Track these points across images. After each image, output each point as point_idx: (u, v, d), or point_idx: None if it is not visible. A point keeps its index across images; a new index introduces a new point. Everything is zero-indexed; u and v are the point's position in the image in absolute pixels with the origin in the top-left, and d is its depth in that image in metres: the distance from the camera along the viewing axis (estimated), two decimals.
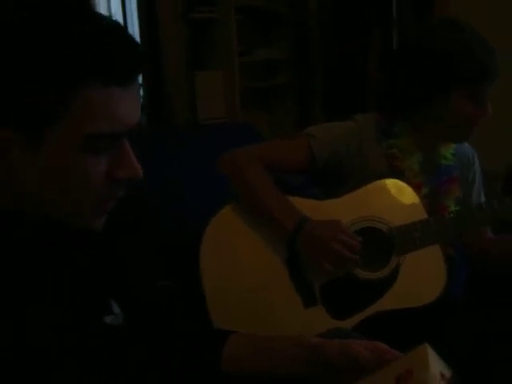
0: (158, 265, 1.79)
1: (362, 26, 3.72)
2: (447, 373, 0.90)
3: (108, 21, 0.83)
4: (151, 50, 3.36)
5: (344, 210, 1.67)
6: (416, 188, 1.71)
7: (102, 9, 3.66)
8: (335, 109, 3.88)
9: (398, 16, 3.63)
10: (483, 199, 1.87)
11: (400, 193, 1.70)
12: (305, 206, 1.66)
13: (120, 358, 0.94)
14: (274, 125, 4.21)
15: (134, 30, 3.67)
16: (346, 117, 1.82)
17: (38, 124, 0.79)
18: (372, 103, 3.57)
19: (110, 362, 0.91)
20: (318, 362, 1.03)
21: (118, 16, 3.71)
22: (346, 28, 3.82)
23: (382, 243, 1.66)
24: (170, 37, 3.58)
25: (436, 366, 0.90)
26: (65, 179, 0.82)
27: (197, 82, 3.61)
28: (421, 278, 1.66)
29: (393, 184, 1.71)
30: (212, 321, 1.58)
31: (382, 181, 1.71)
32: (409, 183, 1.71)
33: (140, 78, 0.87)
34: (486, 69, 1.61)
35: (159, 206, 2.16)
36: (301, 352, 1.05)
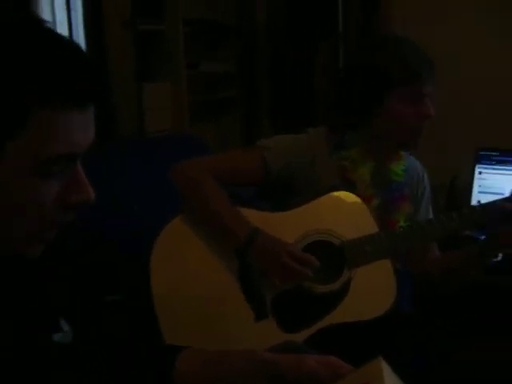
0: (107, 280, 1.76)
1: (308, 39, 3.76)
2: None
3: (68, 42, 0.83)
4: (97, 60, 3.31)
5: (296, 222, 1.68)
6: (367, 200, 1.73)
7: (46, 17, 3.59)
8: (282, 122, 3.90)
9: (343, 30, 3.68)
10: (431, 215, 1.89)
11: (351, 206, 1.71)
12: (256, 217, 1.66)
13: (68, 378, 0.91)
14: (221, 138, 4.20)
15: (80, 40, 3.62)
16: (294, 130, 1.83)
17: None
18: (319, 116, 3.61)
19: (58, 382, 0.88)
20: (271, 377, 1.02)
21: (63, 25, 3.65)
22: (293, 41, 3.86)
23: (334, 256, 1.67)
24: (117, 48, 3.54)
25: (390, 379, 0.90)
26: (11, 202, 0.79)
27: (144, 94, 3.57)
28: (372, 291, 1.67)
29: (344, 197, 1.72)
30: (163, 335, 1.56)
31: (334, 194, 1.72)
32: (360, 195, 1.72)
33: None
34: (414, 70, 1.65)
35: (107, 218, 2.12)
36: (253, 367, 1.03)
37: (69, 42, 0.83)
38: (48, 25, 0.82)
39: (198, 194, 1.66)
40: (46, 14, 3.60)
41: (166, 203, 1.80)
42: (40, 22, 0.82)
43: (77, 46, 0.83)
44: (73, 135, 0.79)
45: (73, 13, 3.78)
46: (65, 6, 3.80)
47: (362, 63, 1.73)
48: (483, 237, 1.72)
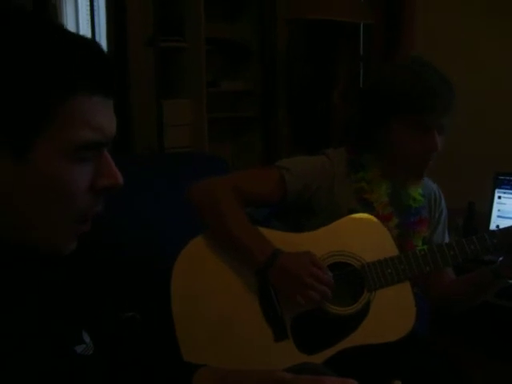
0: (126, 296, 1.76)
1: (329, 61, 3.77)
2: None
3: (86, 37, 0.87)
4: (119, 76, 3.35)
5: (316, 243, 1.67)
6: (386, 219, 1.73)
7: None
8: (301, 141, 3.91)
9: (364, 53, 3.69)
10: (447, 239, 1.89)
11: (371, 228, 1.71)
12: (276, 238, 1.65)
13: None
14: (240, 156, 4.21)
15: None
16: (312, 151, 1.83)
17: (25, 134, 0.78)
18: (337, 137, 3.62)
19: None
20: None
21: None
22: (313, 63, 3.87)
23: (354, 279, 1.66)
24: (139, 64, 3.58)
25: None
26: (48, 191, 0.81)
27: (164, 111, 3.59)
28: (391, 313, 1.65)
29: (365, 219, 1.71)
30: (182, 353, 1.56)
31: (354, 216, 1.71)
32: (378, 215, 1.72)
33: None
34: (424, 98, 1.62)
35: (124, 234, 2.13)
36: None
37: (85, 37, 0.87)
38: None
39: (217, 215, 1.66)
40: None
41: (185, 220, 1.80)
42: (58, 23, 0.87)
43: (93, 40, 0.88)
44: (100, 121, 0.83)
45: (97, 29, 3.84)
46: (89, 22, 3.85)
47: (372, 87, 1.75)
48: (500, 258, 1.71)
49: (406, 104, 1.65)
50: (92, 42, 0.86)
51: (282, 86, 4.13)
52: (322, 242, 1.68)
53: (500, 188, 2.70)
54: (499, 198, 2.69)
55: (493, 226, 2.65)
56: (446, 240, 1.88)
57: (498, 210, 2.69)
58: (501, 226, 1.92)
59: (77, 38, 0.84)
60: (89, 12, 3.87)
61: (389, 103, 1.67)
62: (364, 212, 1.72)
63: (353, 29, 3.65)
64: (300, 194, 1.73)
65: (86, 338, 0.94)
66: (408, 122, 1.66)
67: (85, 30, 3.81)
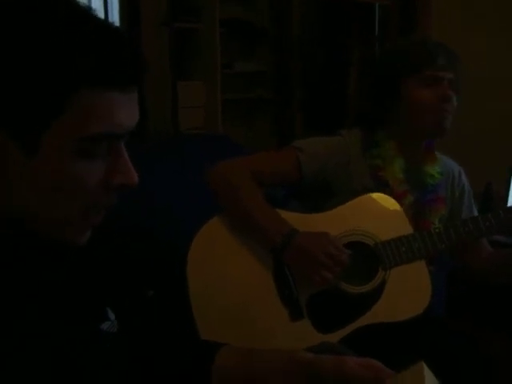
0: (146, 275, 1.77)
1: (344, 41, 3.75)
2: None
3: (109, 25, 0.82)
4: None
5: (331, 223, 1.67)
6: (401, 196, 1.73)
7: None
8: (315, 122, 3.89)
9: (380, 34, 3.66)
10: (476, 212, 1.88)
11: (386, 207, 1.71)
12: (293, 219, 1.66)
13: (116, 367, 0.92)
14: (254, 137, 4.21)
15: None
16: (327, 130, 1.83)
17: (35, 127, 0.76)
18: (351, 118, 3.60)
19: (108, 371, 0.89)
20: (311, 377, 1.01)
21: None
22: (328, 43, 3.85)
23: (369, 257, 1.67)
24: (153, 46, 3.56)
25: None
26: (59, 185, 0.79)
27: (179, 92, 3.58)
28: (407, 291, 1.66)
29: (379, 198, 1.71)
30: (199, 333, 1.56)
31: (369, 195, 1.72)
32: (393, 192, 1.72)
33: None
34: (427, 54, 1.70)
35: (142, 215, 2.13)
36: (293, 366, 1.02)
37: (110, 25, 0.82)
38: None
39: (234, 196, 1.67)
40: None
41: (201, 202, 1.80)
42: (78, 4, 0.81)
43: (119, 29, 0.82)
44: (113, 115, 0.79)
45: (110, 8, 3.82)
46: (102, 3, 3.84)
47: (380, 56, 1.80)
48: None
49: (414, 62, 1.70)
50: (118, 34, 0.80)
51: (296, 67, 4.11)
52: (337, 221, 1.68)
53: None
54: None
55: None
56: (475, 214, 1.86)
57: None
58: None
59: (97, 25, 0.80)
60: None
61: (399, 67, 1.72)
62: (379, 189, 1.73)
63: (368, 9, 3.62)
64: (316, 175, 1.73)
65: (111, 315, 0.94)
66: (419, 81, 1.70)
67: (98, 11, 3.80)
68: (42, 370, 0.80)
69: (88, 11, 0.81)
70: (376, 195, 1.72)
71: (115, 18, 3.83)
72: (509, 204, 2.64)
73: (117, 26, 0.84)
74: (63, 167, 0.78)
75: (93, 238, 0.91)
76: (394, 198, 1.72)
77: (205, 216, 1.72)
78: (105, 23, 0.82)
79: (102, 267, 1.01)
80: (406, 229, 1.70)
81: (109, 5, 3.83)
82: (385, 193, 1.72)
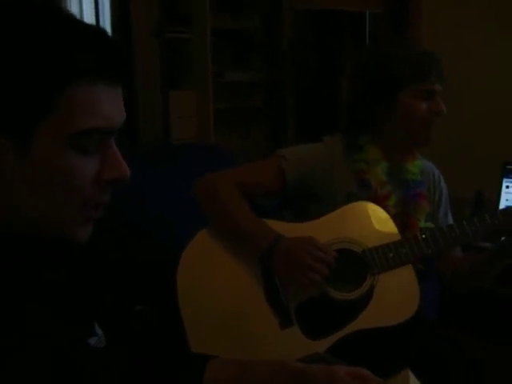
0: (134, 290, 1.76)
1: (336, 49, 3.77)
2: None
3: (91, 24, 0.84)
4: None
5: (319, 231, 1.68)
6: (385, 198, 1.75)
7: None
8: (308, 131, 3.90)
9: (370, 40, 3.68)
10: (451, 221, 1.88)
11: (373, 215, 1.72)
12: (281, 228, 1.67)
13: (104, 382, 0.90)
14: (247, 147, 4.21)
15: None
16: (319, 139, 1.84)
17: (26, 126, 0.77)
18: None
19: None
20: None
21: None
22: (320, 51, 3.86)
23: (357, 264, 1.67)
24: (144, 55, 3.57)
25: None
26: (54, 181, 0.80)
27: (170, 102, 3.59)
28: (395, 297, 1.66)
29: (366, 207, 1.73)
30: (190, 345, 1.57)
31: (355, 204, 1.73)
32: (377, 194, 1.74)
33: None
34: (424, 67, 1.71)
35: (130, 226, 2.13)
36: (284, 377, 1.02)
37: (91, 24, 0.84)
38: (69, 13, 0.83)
39: (219, 207, 1.69)
40: None
41: (192, 212, 1.81)
42: (61, 7, 0.84)
43: (100, 27, 0.85)
44: (101, 108, 0.80)
45: (101, 20, 3.83)
46: (93, 12, 3.85)
47: (377, 61, 1.78)
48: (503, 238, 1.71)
49: (415, 74, 1.71)
50: (97, 29, 0.83)
51: (288, 76, 4.13)
52: (324, 229, 1.69)
53: (508, 177, 2.67)
54: (507, 187, 2.67)
55: None
56: (450, 221, 1.87)
57: (506, 200, 2.66)
58: None
59: (80, 25, 0.82)
60: (93, 3, 3.86)
61: (399, 76, 1.72)
62: (362, 192, 1.75)
63: (359, 18, 3.64)
64: (299, 181, 1.74)
65: (98, 330, 0.93)
66: (416, 92, 1.72)
67: (89, 21, 3.81)
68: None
69: (70, 14, 0.83)
70: (363, 204, 1.73)
71: (107, 28, 3.84)
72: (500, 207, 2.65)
73: (98, 25, 0.86)
74: (56, 164, 0.79)
75: (82, 252, 0.91)
76: (379, 200, 1.73)
77: (196, 227, 1.73)
78: (86, 23, 0.84)
79: (90, 282, 0.99)
80: (394, 236, 1.71)
81: (100, 15, 3.85)
82: (368, 195, 1.74)
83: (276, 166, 1.75)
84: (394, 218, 1.73)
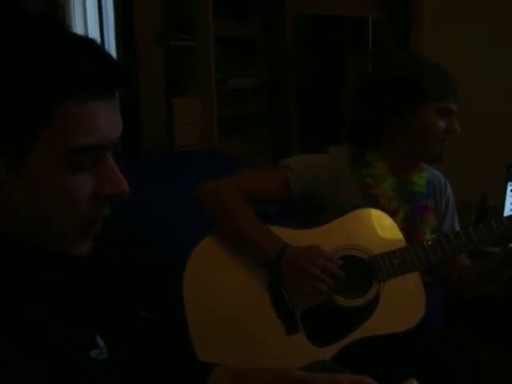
0: (139, 297, 1.77)
1: (337, 56, 3.77)
2: None
3: (83, 37, 0.83)
4: (128, 75, 3.34)
5: (324, 238, 1.68)
6: (392, 213, 1.74)
7: (79, 32, 3.64)
8: (310, 137, 3.90)
9: (373, 47, 3.68)
10: (457, 227, 1.88)
11: (378, 222, 1.72)
12: (285, 234, 1.67)
13: None
14: (250, 153, 4.21)
15: (112, 54, 3.66)
16: (322, 146, 1.84)
17: (19, 146, 0.76)
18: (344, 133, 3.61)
19: None
20: None
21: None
22: (322, 56, 3.87)
23: (363, 271, 1.67)
24: (148, 63, 3.58)
25: None
26: (49, 200, 0.79)
27: (174, 109, 3.60)
28: (401, 304, 1.66)
29: (371, 213, 1.73)
30: (196, 352, 1.57)
31: (361, 210, 1.73)
32: (385, 210, 1.73)
33: (118, 93, 0.85)
34: (446, 85, 1.71)
35: (135, 235, 2.13)
36: None
37: (83, 37, 0.83)
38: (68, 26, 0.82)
39: (225, 214, 1.69)
40: (78, 30, 3.66)
41: (198, 218, 1.81)
42: (59, 21, 0.83)
43: (92, 40, 0.83)
44: (98, 125, 0.79)
45: (105, 27, 3.84)
46: (97, 20, 3.86)
47: (396, 74, 1.75)
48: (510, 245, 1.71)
49: (435, 91, 1.70)
50: (92, 45, 0.81)
51: (290, 82, 4.13)
52: (330, 236, 1.69)
53: None
54: None
55: None
56: (457, 228, 1.87)
57: (511, 203, 2.66)
58: None
59: (75, 40, 0.81)
60: (97, 12, 3.87)
61: (422, 91, 1.70)
62: (369, 207, 1.73)
63: (361, 23, 3.65)
64: (304, 191, 1.74)
65: (100, 342, 0.92)
66: (435, 109, 1.71)
67: (93, 30, 3.82)
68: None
69: (64, 26, 0.82)
70: (368, 210, 1.73)
71: (110, 35, 3.85)
72: (504, 214, 2.65)
73: (90, 37, 0.85)
74: (52, 183, 0.78)
75: (84, 262, 0.90)
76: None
77: (202, 233, 1.73)
78: (79, 35, 0.83)
79: (92, 292, 0.98)
80: (399, 243, 1.71)
81: (104, 23, 3.86)
82: None
83: (281, 176, 1.74)
84: (401, 231, 1.72)
